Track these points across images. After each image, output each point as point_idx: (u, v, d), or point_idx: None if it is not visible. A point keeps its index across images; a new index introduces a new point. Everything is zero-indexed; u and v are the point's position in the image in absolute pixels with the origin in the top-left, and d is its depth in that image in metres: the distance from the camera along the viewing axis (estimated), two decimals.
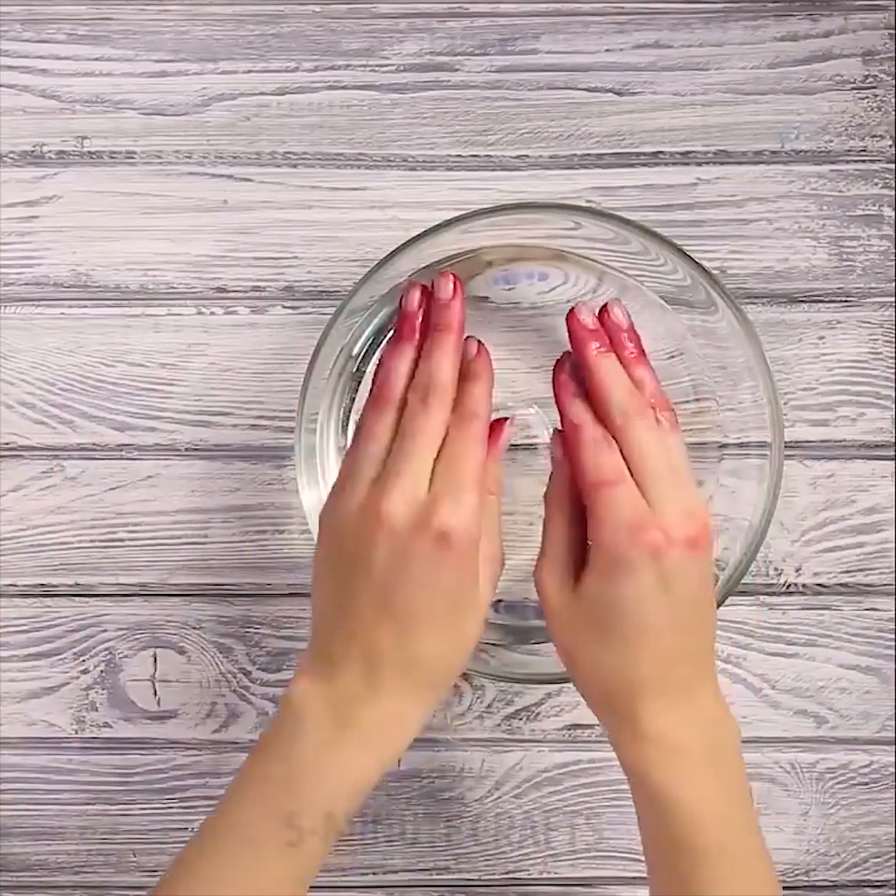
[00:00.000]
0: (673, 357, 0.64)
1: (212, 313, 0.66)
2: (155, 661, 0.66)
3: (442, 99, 0.66)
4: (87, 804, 0.66)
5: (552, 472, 0.56)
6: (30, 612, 0.66)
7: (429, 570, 0.51)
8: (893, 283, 0.65)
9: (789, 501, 0.65)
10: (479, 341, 0.57)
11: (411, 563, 0.51)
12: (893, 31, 0.65)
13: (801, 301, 0.66)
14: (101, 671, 0.66)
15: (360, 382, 0.64)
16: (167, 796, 0.67)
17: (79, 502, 0.66)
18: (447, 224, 0.59)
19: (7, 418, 0.66)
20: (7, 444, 0.66)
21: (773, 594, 0.66)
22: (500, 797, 0.66)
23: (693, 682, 0.53)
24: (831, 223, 0.65)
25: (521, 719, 0.66)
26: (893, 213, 0.65)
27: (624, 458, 0.53)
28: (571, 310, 0.56)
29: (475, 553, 0.52)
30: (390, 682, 0.52)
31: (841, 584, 0.66)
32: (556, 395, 0.56)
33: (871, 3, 0.65)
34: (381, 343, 0.63)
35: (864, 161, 0.65)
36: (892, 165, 0.65)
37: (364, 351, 0.64)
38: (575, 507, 0.55)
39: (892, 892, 0.66)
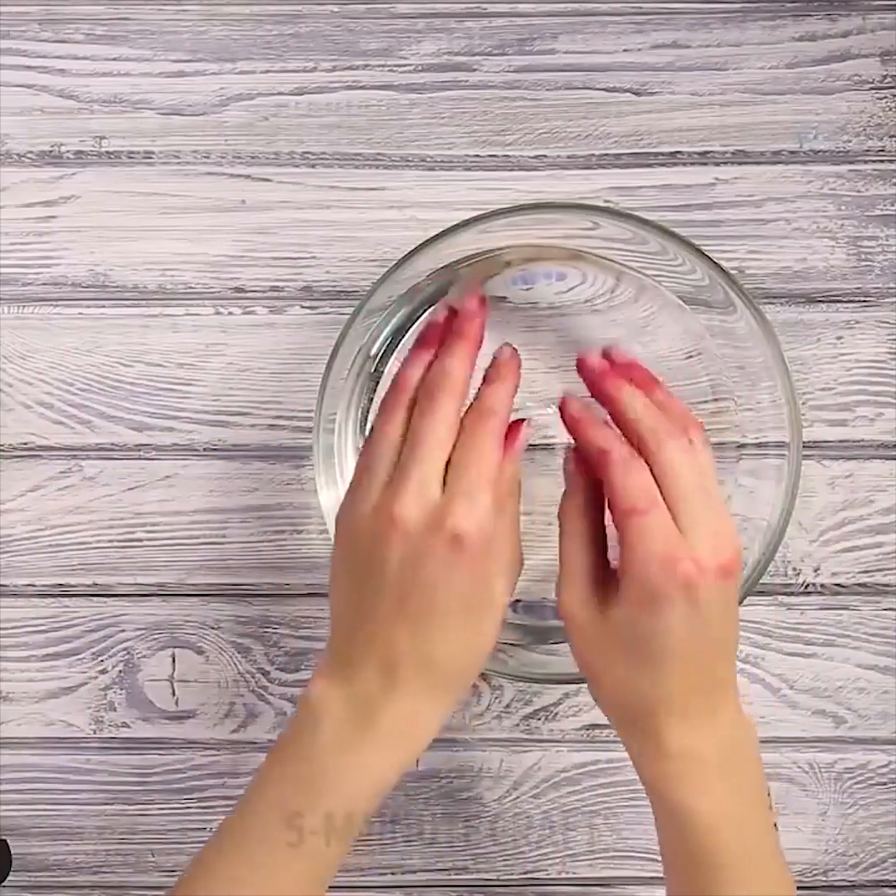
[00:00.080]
0: (691, 357, 0.64)
1: (230, 313, 0.66)
2: (173, 661, 0.66)
3: (460, 99, 0.66)
4: (106, 804, 0.67)
5: (566, 489, 0.56)
6: (48, 612, 0.66)
7: (443, 572, 0.51)
8: None
9: (807, 501, 0.65)
10: (514, 348, 0.56)
11: (426, 566, 0.51)
12: None
13: (820, 301, 0.66)
14: (120, 671, 0.66)
15: (378, 382, 0.64)
16: (185, 796, 0.67)
17: (97, 502, 0.66)
18: (465, 224, 0.59)
19: (25, 418, 0.66)
20: (25, 444, 0.66)
21: (792, 594, 0.66)
22: (518, 797, 0.66)
23: (717, 701, 0.53)
24: (850, 223, 0.65)
25: (539, 719, 0.66)
26: None
27: (655, 480, 0.52)
28: (578, 360, 0.55)
29: (489, 554, 0.52)
30: (407, 683, 0.52)
31: (859, 584, 0.66)
32: (574, 430, 0.55)
33: (889, 3, 0.65)
34: (399, 343, 0.63)
35: (882, 161, 0.65)
36: None
37: (382, 351, 0.64)
38: (592, 525, 0.55)
39: None
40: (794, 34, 0.66)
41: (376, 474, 0.53)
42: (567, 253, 0.63)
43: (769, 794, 0.55)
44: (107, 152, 0.66)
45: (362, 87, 0.66)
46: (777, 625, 0.66)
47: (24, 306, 0.66)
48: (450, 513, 0.50)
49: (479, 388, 0.54)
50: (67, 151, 0.66)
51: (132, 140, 0.66)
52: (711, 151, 0.66)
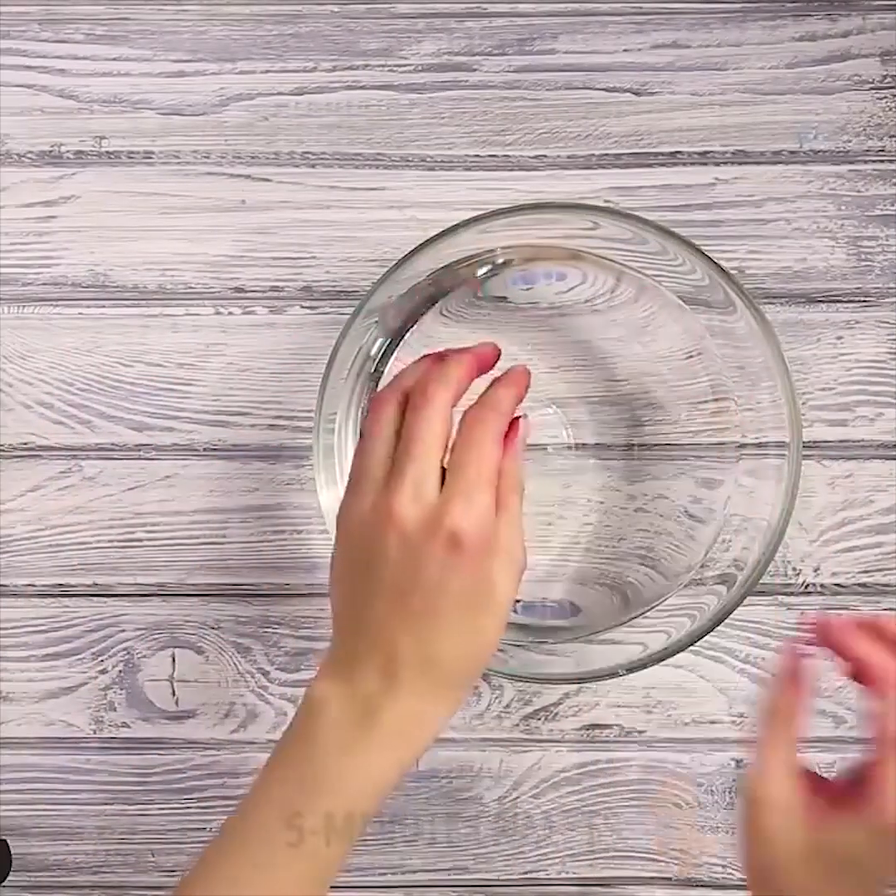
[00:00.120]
0: (691, 357, 0.64)
1: (230, 313, 0.66)
2: (173, 661, 0.66)
3: (460, 99, 0.66)
4: (106, 804, 0.67)
5: (773, 686, 0.53)
6: (48, 612, 0.66)
7: (442, 573, 0.50)
8: None
9: (807, 501, 0.65)
10: (528, 369, 0.56)
11: (425, 566, 0.50)
12: None
13: (820, 301, 0.66)
14: (120, 671, 0.66)
15: (378, 382, 0.64)
16: (185, 796, 0.67)
17: (97, 502, 0.66)
18: (465, 224, 0.59)
19: (25, 418, 0.66)
20: (25, 444, 0.66)
21: (792, 594, 0.66)
22: (518, 797, 0.66)
23: None
24: (850, 223, 0.65)
25: (539, 719, 0.66)
26: None
27: None
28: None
29: (489, 553, 0.51)
30: (409, 683, 0.51)
31: (859, 585, 0.66)
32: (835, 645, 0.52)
33: (889, 3, 0.65)
34: (399, 343, 0.63)
35: (882, 161, 0.65)
36: None
37: (382, 351, 0.64)
38: (797, 728, 0.53)
39: None
40: (794, 34, 0.66)
41: (373, 472, 0.52)
42: (567, 253, 0.63)
43: None
44: (107, 152, 0.66)
45: (362, 87, 0.66)
46: (777, 625, 0.66)
47: (24, 306, 0.66)
48: (447, 512, 0.50)
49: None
50: (67, 151, 0.66)
51: (132, 140, 0.66)
52: (711, 151, 0.66)
